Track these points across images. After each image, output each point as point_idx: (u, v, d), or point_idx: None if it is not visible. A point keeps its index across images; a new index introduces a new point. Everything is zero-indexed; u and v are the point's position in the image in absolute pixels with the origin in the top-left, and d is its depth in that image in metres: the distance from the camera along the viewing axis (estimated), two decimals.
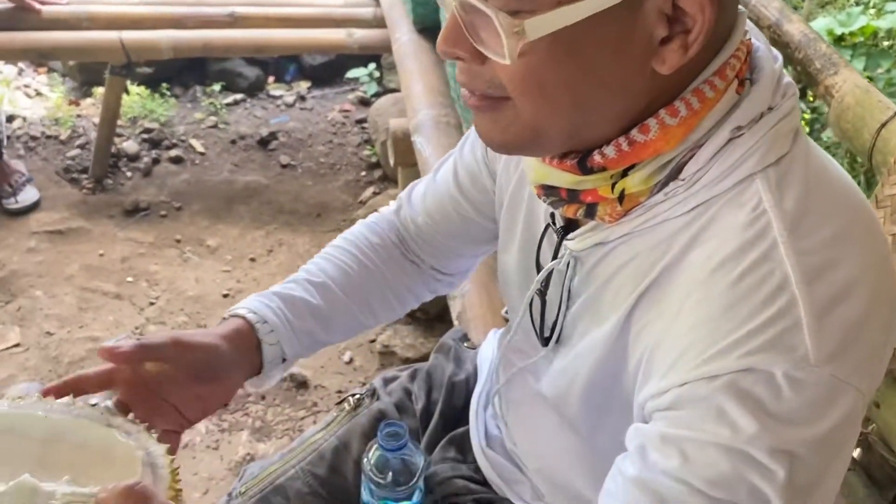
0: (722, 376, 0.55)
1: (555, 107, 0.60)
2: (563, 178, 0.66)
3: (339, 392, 2.12)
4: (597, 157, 0.62)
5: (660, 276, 0.62)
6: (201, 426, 2.00)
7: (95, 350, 1.68)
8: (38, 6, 2.57)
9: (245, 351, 0.82)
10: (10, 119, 3.04)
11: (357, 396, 1.06)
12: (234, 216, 2.71)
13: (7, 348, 2.18)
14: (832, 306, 0.56)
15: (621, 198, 0.63)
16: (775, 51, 0.65)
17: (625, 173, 0.62)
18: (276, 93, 3.39)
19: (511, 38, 0.56)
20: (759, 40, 0.66)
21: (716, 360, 0.56)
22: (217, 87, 3.32)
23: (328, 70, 3.45)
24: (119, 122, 2.89)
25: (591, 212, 0.65)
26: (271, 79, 3.45)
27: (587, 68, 0.58)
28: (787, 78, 0.64)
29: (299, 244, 2.60)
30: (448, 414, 1.03)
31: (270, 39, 2.70)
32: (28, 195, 2.66)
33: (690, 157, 0.61)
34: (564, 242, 0.71)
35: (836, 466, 0.58)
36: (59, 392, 0.74)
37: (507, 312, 1.08)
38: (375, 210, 1.03)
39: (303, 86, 3.45)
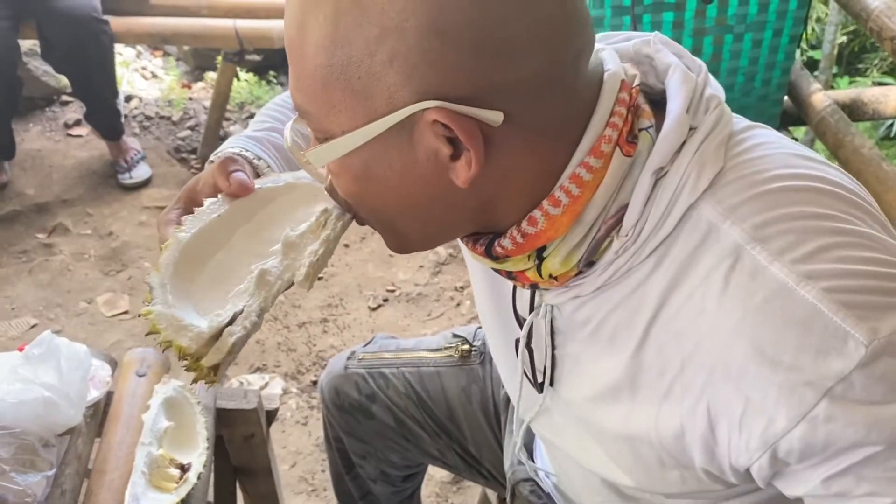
0: (813, 409, 0.53)
1: (389, 218, 0.63)
2: (483, 261, 0.66)
3: None
4: (498, 249, 0.63)
5: (653, 325, 0.60)
6: (292, 402, 2.09)
7: None
8: None
9: None
10: (128, 99, 3.22)
11: (467, 348, 1.17)
12: None
13: (117, 314, 2.32)
14: (843, 282, 0.53)
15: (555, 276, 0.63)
16: (698, 61, 0.63)
17: (540, 252, 0.62)
18: None
19: (306, 163, 0.62)
20: (680, 55, 0.64)
21: (798, 399, 0.54)
22: None
23: None
24: (227, 107, 3.02)
25: (534, 286, 0.67)
26: None
27: (388, 186, 0.59)
28: (712, 88, 0.62)
29: None
30: None
31: None
32: (141, 171, 2.81)
33: (605, 231, 0.59)
34: (539, 293, 0.70)
35: None
36: (188, 202, 0.79)
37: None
38: None
39: None
